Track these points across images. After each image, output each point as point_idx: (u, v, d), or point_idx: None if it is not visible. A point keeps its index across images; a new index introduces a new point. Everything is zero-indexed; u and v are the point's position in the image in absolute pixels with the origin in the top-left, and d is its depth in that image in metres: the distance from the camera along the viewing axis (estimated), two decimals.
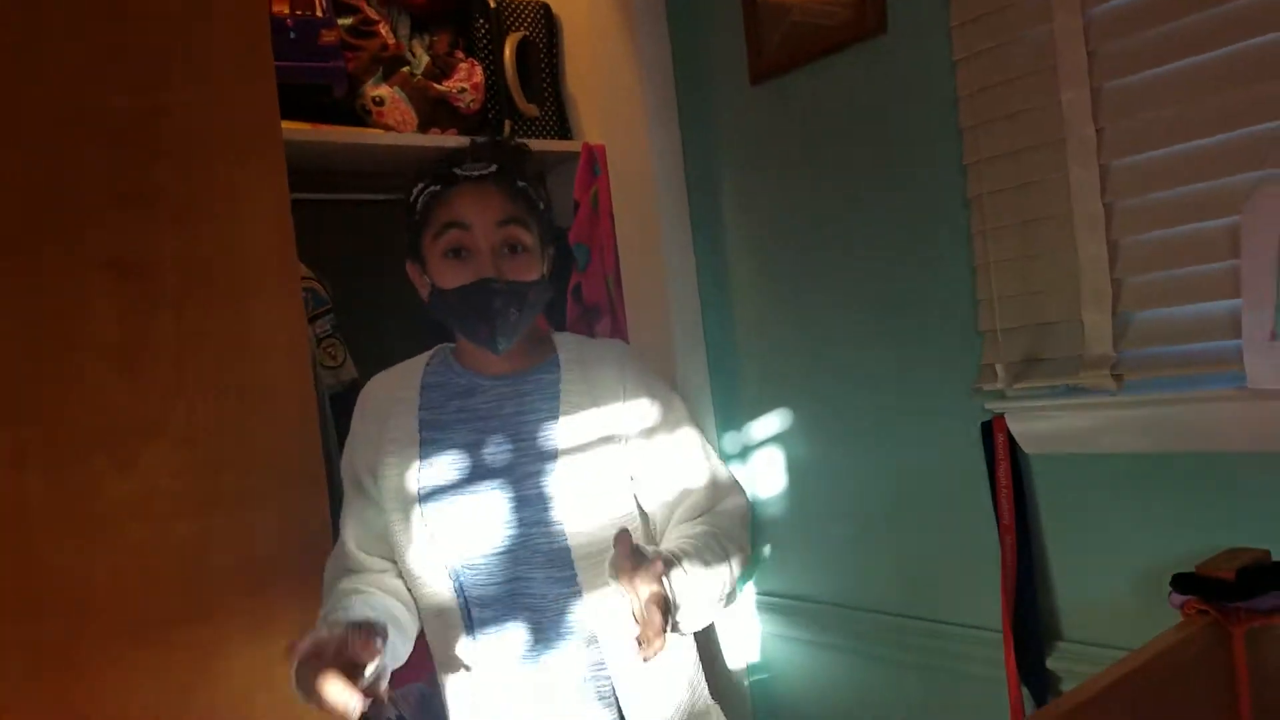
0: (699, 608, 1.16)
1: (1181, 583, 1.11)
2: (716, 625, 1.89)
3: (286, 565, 1.41)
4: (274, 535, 1.42)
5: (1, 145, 1.32)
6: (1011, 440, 1.43)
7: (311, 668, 0.99)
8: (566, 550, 1.22)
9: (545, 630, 1.22)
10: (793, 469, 1.81)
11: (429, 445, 1.27)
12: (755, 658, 1.92)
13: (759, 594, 1.89)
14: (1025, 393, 1.40)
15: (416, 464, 1.26)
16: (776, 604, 1.86)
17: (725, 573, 1.22)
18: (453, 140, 2.04)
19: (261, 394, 1.44)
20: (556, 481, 1.22)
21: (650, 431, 1.30)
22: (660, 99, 1.95)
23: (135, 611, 1.33)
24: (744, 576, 1.82)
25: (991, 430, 1.44)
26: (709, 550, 1.21)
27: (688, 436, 1.33)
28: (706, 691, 1.37)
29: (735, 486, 1.36)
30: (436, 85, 2.09)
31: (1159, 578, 1.19)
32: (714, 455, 1.37)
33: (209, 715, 1.33)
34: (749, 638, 1.91)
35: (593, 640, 1.23)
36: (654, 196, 1.96)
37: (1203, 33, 1.22)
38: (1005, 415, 1.43)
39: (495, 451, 1.26)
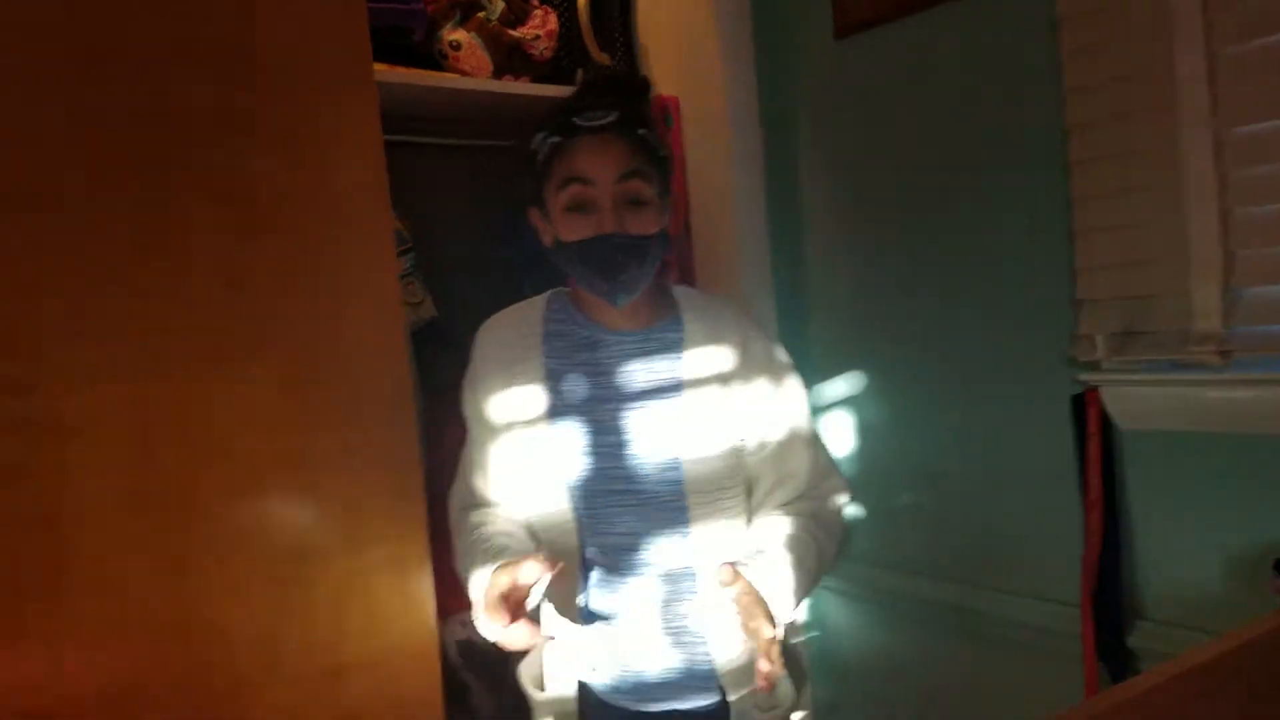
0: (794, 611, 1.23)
1: None
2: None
3: (377, 481, 1.45)
4: (365, 452, 1.46)
5: (110, 75, 1.33)
6: (1103, 413, 1.40)
7: (495, 611, 1.13)
8: (682, 496, 1.25)
9: (652, 570, 1.27)
10: (865, 429, 1.78)
11: (554, 393, 1.29)
12: (815, 616, 1.92)
13: None
14: (1123, 365, 1.37)
15: (543, 407, 1.28)
16: (843, 565, 1.84)
17: (818, 573, 1.27)
18: (522, 87, 2.01)
19: (353, 321, 1.47)
20: (677, 435, 1.25)
21: (767, 400, 1.29)
22: (737, 49, 1.90)
23: (240, 517, 1.36)
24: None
25: (1083, 402, 1.41)
26: (809, 554, 1.25)
27: (802, 414, 1.33)
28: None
29: (838, 475, 1.36)
30: (511, 31, 2.05)
31: (1252, 563, 1.17)
32: (821, 438, 1.37)
33: (305, 616, 1.37)
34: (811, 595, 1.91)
35: (690, 577, 1.27)
36: (728, 150, 1.92)
37: None
38: (1100, 388, 1.39)
39: (618, 405, 1.27)
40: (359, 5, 1.51)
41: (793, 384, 1.33)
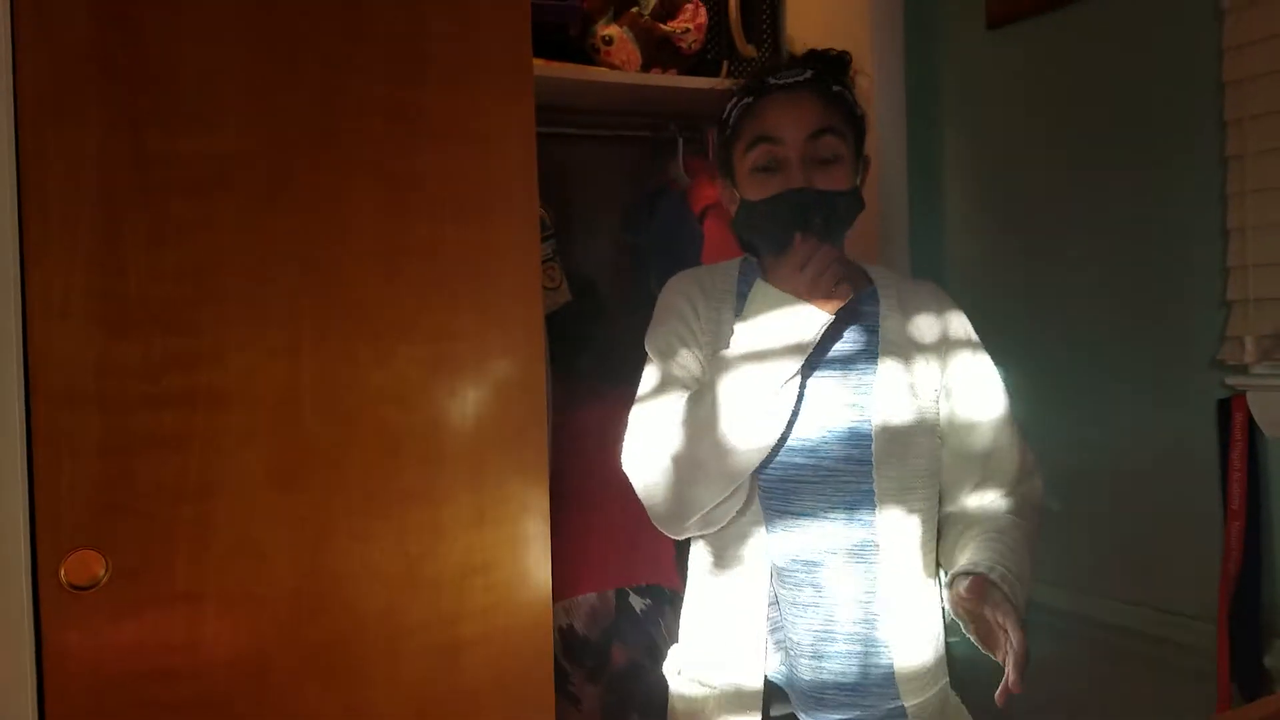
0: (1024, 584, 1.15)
1: None
2: None
3: (505, 461, 1.52)
4: (496, 432, 1.53)
5: (290, 69, 1.45)
6: (1250, 420, 1.34)
7: None
8: (869, 475, 1.17)
9: (833, 556, 1.18)
10: None
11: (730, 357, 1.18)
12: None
13: None
14: (1274, 370, 1.31)
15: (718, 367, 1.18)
16: None
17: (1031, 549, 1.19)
18: (668, 80, 2.07)
19: (496, 303, 1.55)
20: (870, 413, 1.17)
21: (966, 384, 1.23)
22: (887, 38, 1.90)
23: (379, 488, 1.46)
24: None
25: (1229, 408, 1.36)
26: (1025, 558, 1.17)
27: (1000, 401, 1.25)
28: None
29: (1035, 467, 1.27)
30: (662, 25, 2.11)
31: None
32: (1019, 429, 1.28)
33: (431, 588, 1.44)
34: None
35: (872, 563, 1.19)
36: (873, 141, 1.92)
37: None
38: (1247, 394, 1.34)
39: (807, 376, 1.18)
40: (523, 2, 1.60)
41: (991, 368, 1.26)
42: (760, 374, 1.13)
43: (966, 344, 1.25)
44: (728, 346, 1.17)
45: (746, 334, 1.15)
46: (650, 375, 1.25)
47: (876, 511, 1.17)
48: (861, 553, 1.18)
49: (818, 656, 1.18)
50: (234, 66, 1.38)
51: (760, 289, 1.18)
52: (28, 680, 1.24)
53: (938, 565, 1.26)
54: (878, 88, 1.90)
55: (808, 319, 1.14)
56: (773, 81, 1.18)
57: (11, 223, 1.24)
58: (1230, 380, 1.36)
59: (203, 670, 1.34)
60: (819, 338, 1.15)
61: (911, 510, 1.18)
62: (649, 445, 1.20)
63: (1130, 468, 1.52)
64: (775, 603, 1.20)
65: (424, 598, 1.46)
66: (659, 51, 2.15)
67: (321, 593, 1.43)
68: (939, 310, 1.24)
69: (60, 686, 1.26)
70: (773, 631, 1.21)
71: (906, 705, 1.18)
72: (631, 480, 1.23)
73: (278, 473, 1.40)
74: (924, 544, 1.21)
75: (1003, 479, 1.23)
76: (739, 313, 1.20)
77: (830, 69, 1.21)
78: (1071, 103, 1.60)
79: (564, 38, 2.02)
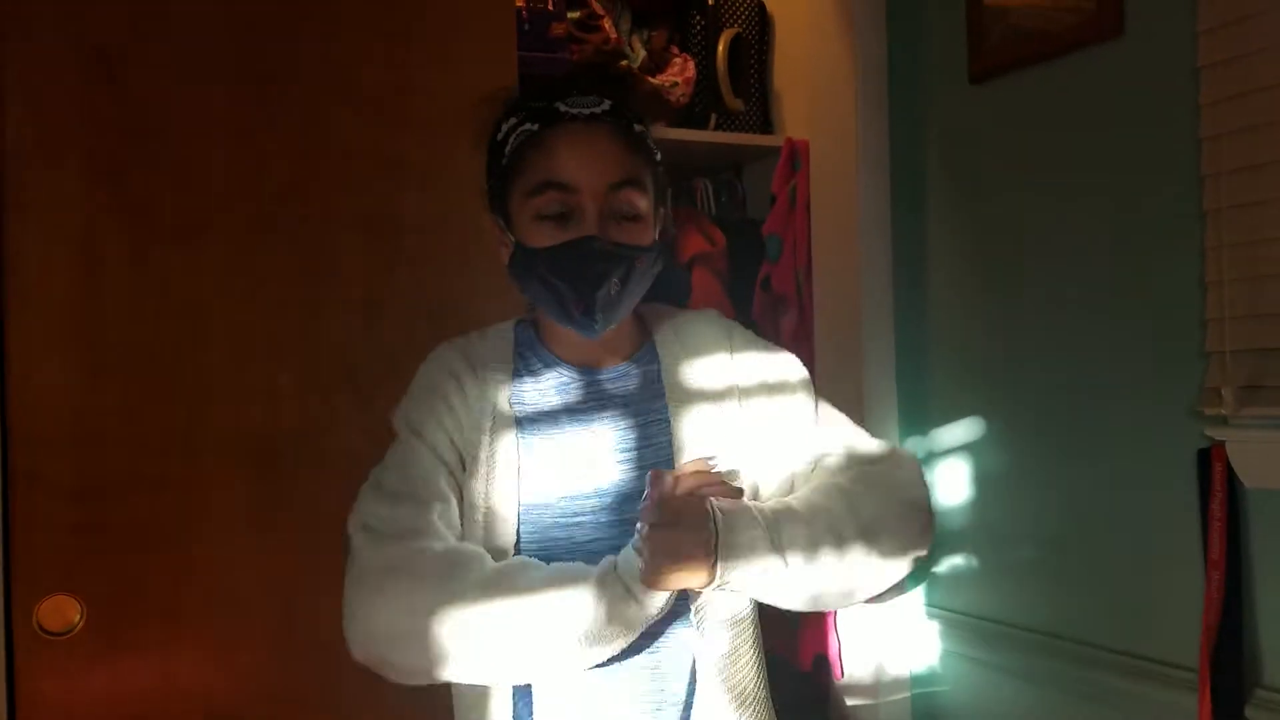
0: (770, 557, 0.95)
1: None
2: (881, 630, 1.87)
3: None
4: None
5: (275, 115, 1.47)
6: (1230, 470, 1.34)
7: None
8: None
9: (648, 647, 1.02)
10: (980, 480, 1.76)
11: (525, 443, 1.05)
12: (920, 670, 1.88)
13: (930, 606, 1.86)
14: (1252, 421, 1.32)
15: (516, 466, 1.04)
16: (950, 619, 1.81)
17: (835, 534, 0.99)
18: (658, 132, 2.10)
19: None
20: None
21: (768, 388, 1.10)
22: (872, 94, 1.94)
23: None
24: (914, 576, 1.77)
25: (1209, 458, 1.36)
26: (821, 506, 1.01)
27: (810, 396, 1.14)
28: None
29: (894, 455, 1.13)
30: (651, 79, 2.15)
31: None
32: (850, 422, 1.16)
33: None
34: (915, 649, 1.88)
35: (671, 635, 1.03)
36: (855, 192, 1.95)
37: None
38: (1226, 444, 1.34)
39: (602, 459, 1.05)
40: (508, 54, 1.63)
41: (798, 389, 1.12)
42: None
43: (755, 348, 1.12)
44: (493, 431, 1.03)
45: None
46: (402, 457, 1.07)
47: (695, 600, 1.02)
48: (675, 646, 1.03)
49: None
50: (217, 113, 1.40)
51: (536, 360, 1.07)
52: None
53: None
54: (861, 139, 1.94)
55: (588, 390, 1.05)
56: (565, 109, 0.99)
57: None
58: (1209, 431, 1.37)
59: (178, 717, 1.33)
60: (606, 412, 1.05)
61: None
62: (395, 576, 1.00)
63: (1112, 515, 1.52)
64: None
65: None
66: (648, 105, 2.18)
67: (297, 640, 1.42)
68: (720, 328, 1.13)
69: None
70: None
71: None
72: (353, 609, 1.04)
73: (256, 517, 1.40)
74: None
75: (837, 468, 1.10)
76: (515, 399, 1.06)
77: (625, 96, 1.05)
78: (1052, 156, 1.63)
79: None
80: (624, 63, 2.08)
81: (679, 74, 2.18)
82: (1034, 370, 1.66)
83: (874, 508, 1.03)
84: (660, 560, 0.92)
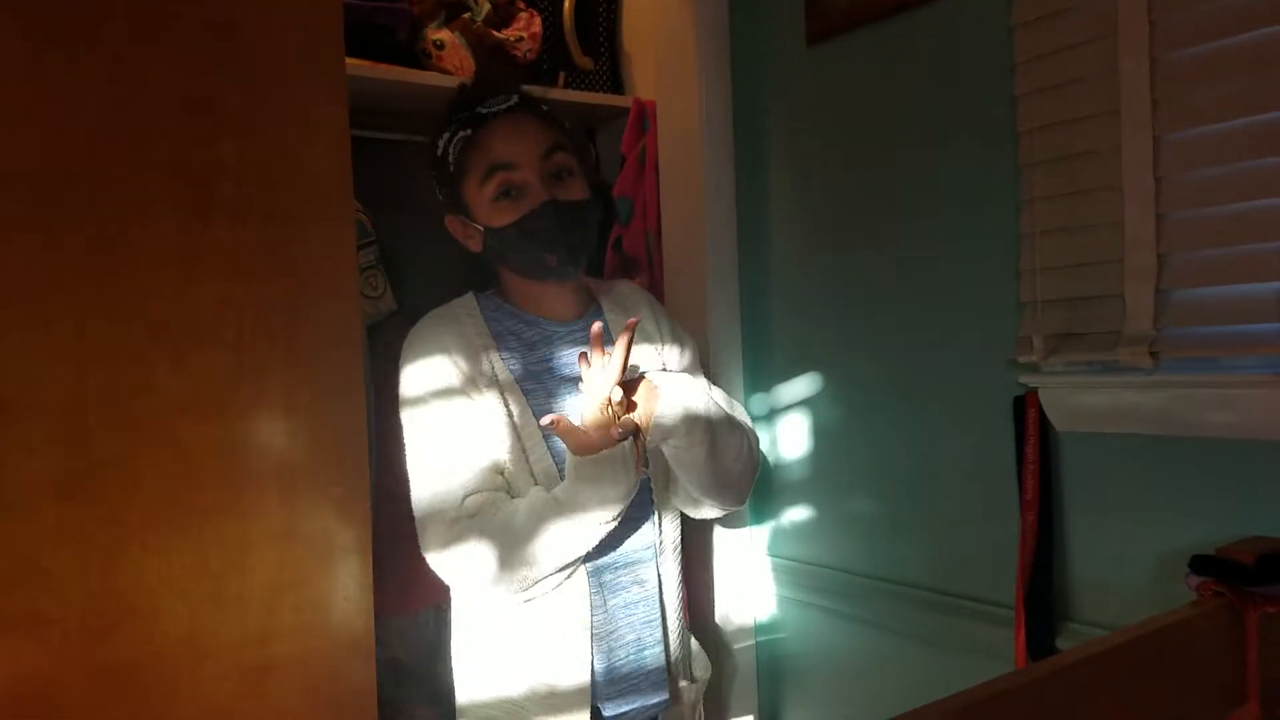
0: (689, 409, 1.22)
1: (1199, 564, 1.09)
2: (725, 579, 1.90)
3: (320, 472, 1.45)
4: (309, 445, 1.47)
5: (79, 50, 1.36)
6: (1042, 415, 1.40)
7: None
8: (649, 478, 1.32)
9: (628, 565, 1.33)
10: (819, 433, 1.80)
11: (524, 392, 1.29)
12: (763, 618, 1.92)
13: (773, 556, 1.89)
14: (1060, 368, 1.38)
15: (515, 413, 1.26)
16: (791, 567, 1.85)
17: (725, 418, 1.31)
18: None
19: (308, 310, 1.48)
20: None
21: (678, 347, 1.45)
22: (714, 55, 1.94)
23: (176, 502, 1.38)
24: (755, 519, 1.81)
25: (1024, 405, 1.42)
26: (718, 411, 1.31)
27: (703, 379, 1.44)
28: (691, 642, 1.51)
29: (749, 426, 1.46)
30: (495, 33, 2.10)
31: (1179, 564, 1.16)
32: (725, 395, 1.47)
33: (239, 604, 1.36)
34: (759, 597, 1.92)
35: (647, 567, 1.35)
36: (700, 153, 1.95)
37: (1267, 6, 1.18)
38: (1038, 390, 1.40)
39: (576, 389, 1.30)
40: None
41: (693, 352, 1.48)
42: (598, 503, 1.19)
43: (673, 332, 1.46)
44: (502, 387, 1.25)
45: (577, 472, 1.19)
46: (432, 441, 1.27)
47: (656, 513, 1.34)
48: (645, 564, 1.35)
49: (602, 660, 1.28)
50: (12, 50, 1.29)
51: (514, 320, 1.34)
52: None
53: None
54: (705, 100, 1.94)
55: (564, 340, 1.32)
56: (485, 111, 1.21)
57: None
58: (1023, 379, 1.42)
59: None
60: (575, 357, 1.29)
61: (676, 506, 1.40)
62: (473, 543, 1.22)
63: (938, 463, 1.58)
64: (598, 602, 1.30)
65: (231, 615, 1.39)
66: (493, 59, 2.13)
67: (115, 615, 1.34)
68: (652, 311, 1.44)
69: None
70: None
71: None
72: (450, 575, 1.25)
73: (64, 489, 1.30)
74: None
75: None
76: (505, 356, 1.29)
77: (521, 85, 1.28)
78: (881, 115, 1.66)
79: (394, 42, 1.98)
80: (465, 14, 2.03)
81: (525, 28, 2.13)
82: (867, 326, 1.70)
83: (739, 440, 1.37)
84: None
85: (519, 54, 2.14)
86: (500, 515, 1.21)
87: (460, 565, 1.21)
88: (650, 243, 2.13)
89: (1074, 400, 1.38)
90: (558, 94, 2.15)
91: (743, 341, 1.95)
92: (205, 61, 1.43)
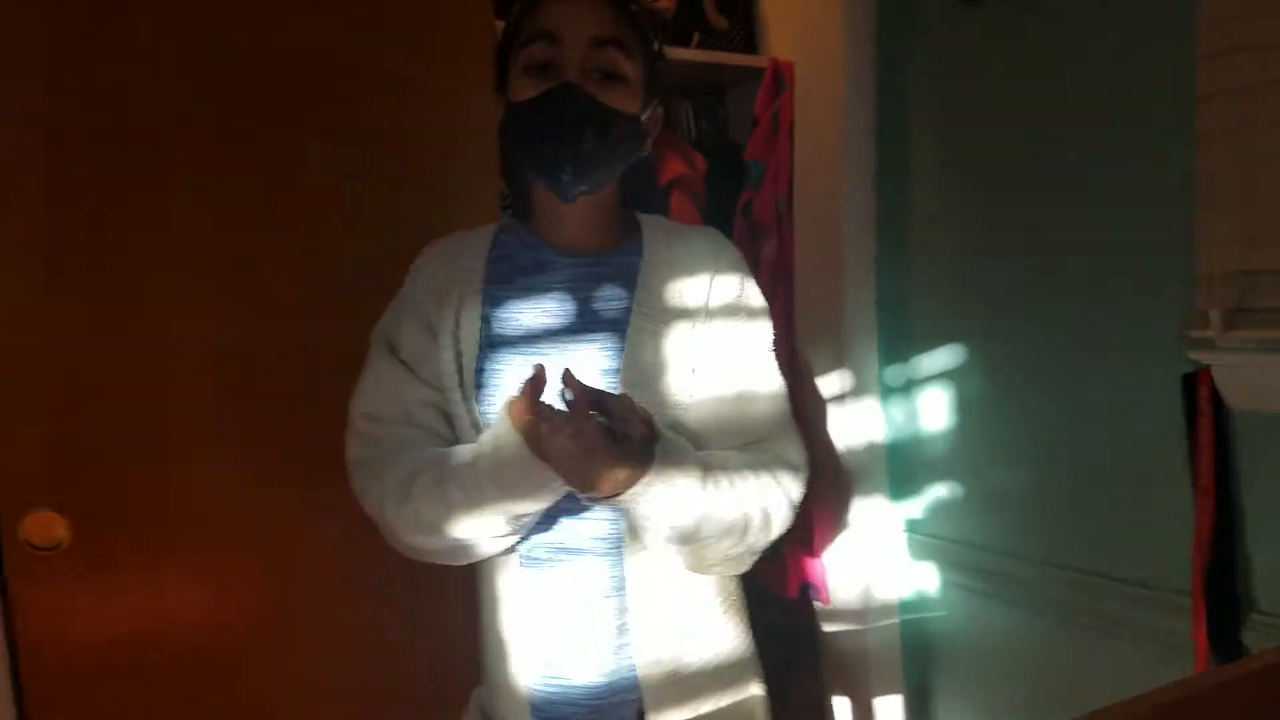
0: (673, 501, 0.97)
1: None
2: (866, 558, 1.88)
3: None
4: None
5: (241, 22, 1.40)
6: (1216, 395, 1.34)
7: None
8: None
9: (581, 534, 1.07)
10: (963, 407, 1.75)
11: (490, 322, 1.08)
12: (907, 597, 1.90)
13: (917, 534, 1.86)
14: (1238, 344, 1.31)
15: (475, 342, 1.07)
16: (937, 545, 1.82)
17: (739, 502, 1.02)
18: None
19: None
20: (619, 374, 1.05)
21: (724, 347, 1.09)
22: (860, 14, 1.88)
23: (326, 452, 1.41)
24: (895, 498, 1.78)
25: (1194, 383, 1.36)
26: (736, 472, 1.03)
27: (762, 367, 1.12)
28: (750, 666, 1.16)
29: (793, 442, 1.13)
30: None
31: None
32: (785, 401, 1.14)
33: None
34: (902, 576, 1.89)
35: (617, 555, 1.07)
36: (840, 116, 1.91)
37: None
38: (1212, 368, 1.34)
39: (561, 337, 1.07)
40: None
41: (759, 332, 1.12)
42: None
43: (732, 300, 1.10)
44: (464, 337, 1.07)
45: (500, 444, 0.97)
46: (381, 369, 1.12)
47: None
48: (605, 553, 1.06)
49: (564, 667, 1.08)
50: (185, 13, 1.33)
51: (517, 244, 1.11)
52: None
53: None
54: (848, 61, 1.89)
55: (561, 271, 1.08)
56: None
57: None
58: (1194, 355, 1.36)
59: (169, 632, 1.32)
60: (572, 293, 1.08)
61: None
62: (393, 478, 1.06)
63: (1100, 441, 1.52)
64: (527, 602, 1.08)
65: (389, 559, 1.43)
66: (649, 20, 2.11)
67: (283, 553, 1.41)
68: (709, 263, 1.10)
69: (30, 645, 1.24)
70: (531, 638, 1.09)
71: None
72: (365, 502, 1.11)
73: (233, 434, 1.37)
74: None
75: (750, 436, 1.10)
76: (488, 277, 1.09)
77: None
78: (1043, 78, 1.59)
79: None
80: None
81: None
82: (1018, 295, 1.64)
83: (772, 485, 1.06)
84: (599, 461, 0.93)
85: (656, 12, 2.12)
86: (403, 465, 1.06)
87: (367, 504, 1.10)
88: (781, 208, 2.10)
89: (1251, 378, 1.31)
90: (690, 54, 2.13)
91: (878, 310, 1.91)
92: (362, 25, 1.46)
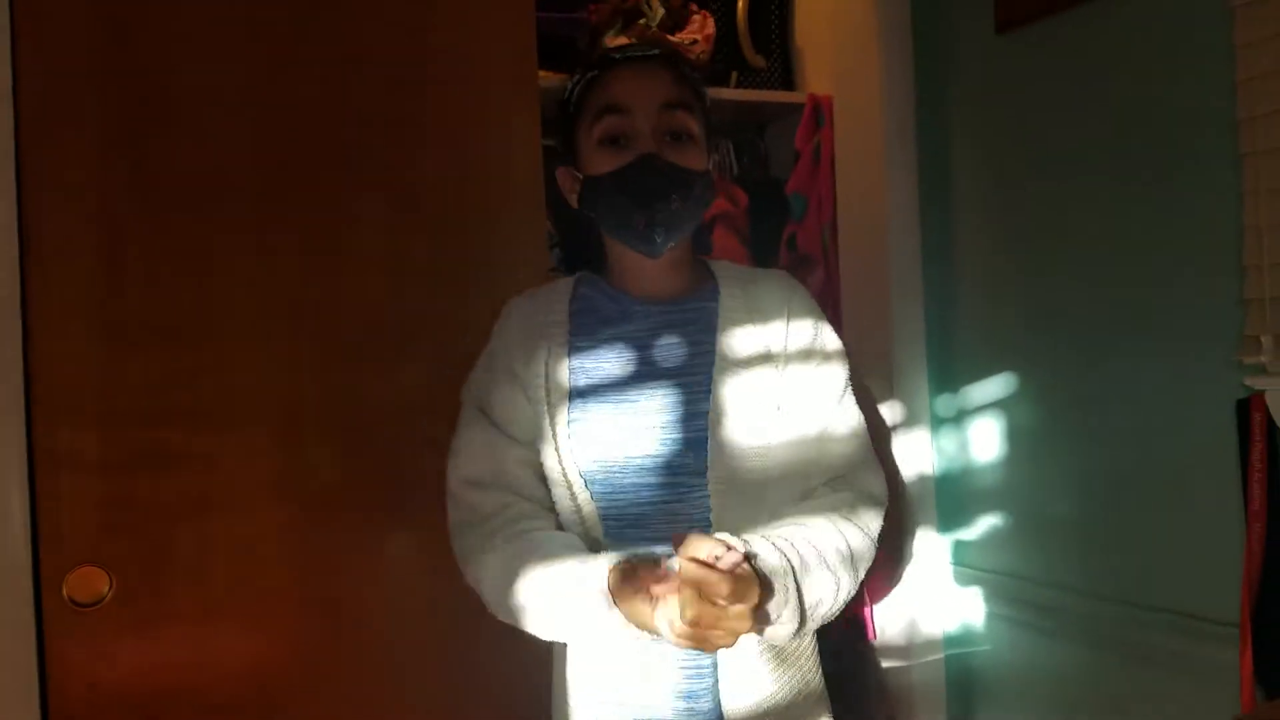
0: (800, 613, 1.00)
1: None
2: (912, 591, 1.85)
3: None
4: None
5: (292, 80, 1.44)
6: (1270, 420, 1.31)
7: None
8: (704, 487, 1.07)
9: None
10: (1013, 436, 1.73)
11: (578, 373, 1.11)
12: (953, 630, 1.87)
13: (964, 566, 1.83)
14: None
15: (565, 394, 1.10)
16: (984, 578, 1.79)
17: (835, 580, 1.04)
18: None
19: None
20: (706, 418, 1.08)
21: (804, 386, 1.12)
22: (896, 47, 1.89)
23: (383, 507, 1.44)
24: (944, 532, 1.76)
25: (1248, 408, 1.33)
26: (824, 539, 1.05)
27: (842, 403, 1.15)
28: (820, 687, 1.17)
29: (875, 476, 1.15)
30: (670, 37, 2.11)
31: None
32: (864, 434, 1.16)
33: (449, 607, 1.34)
34: (949, 610, 1.86)
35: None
36: (880, 147, 1.91)
37: None
38: (1266, 393, 1.31)
39: (647, 383, 1.10)
40: (528, 15, 1.60)
41: (836, 371, 1.15)
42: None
43: (809, 341, 1.13)
44: (553, 389, 1.09)
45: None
46: (474, 433, 1.14)
47: (714, 530, 1.03)
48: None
49: (643, 698, 1.09)
50: (230, 71, 1.39)
51: (598, 296, 1.14)
52: (32, 697, 1.24)
53: None
54: (886, 93, 1.90)
55: (642, 320, 1.11)
56: (619, 55, 1.10)
57: (11, 240, 1.25)
58: (1249, 380, 1.33)
59: (209, 687, 1.34)
60: (655, 340, 1.11)
61: (754, 524, 1.05)
62: (477, 562, 1.09)
63: (1151, 469, 1.49)
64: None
65: (440, 620, 1.44)
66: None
67: (328, 607, 1.43)
68: (783, 305, 1.13)
69: (63, 705, 1.26)
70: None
71: None
72: (465, 572, 1.13)
73: (281, 488, 1.39)
74: None
75: (835, 468, 1.13)
76: (573, 330, 1.12)
77: (677, 53, 1.15)
78: (1083, 105, 1.58)
79: (573, 51, 2.03)
80: (641, 20, 2.05)
81: (698, 31, 2.13)
82: (1066, 323, 1.62)
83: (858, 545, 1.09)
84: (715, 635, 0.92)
85: (692, 56, 2.15)
86: (511, 548, 1.07)
87: (465, 574, 1.13)
88: (826, 239, 2.10)
89: None
90: (731, 93, 2.15)
91: (926, 340, 1.90)
92: (408, 81, 1.51)
